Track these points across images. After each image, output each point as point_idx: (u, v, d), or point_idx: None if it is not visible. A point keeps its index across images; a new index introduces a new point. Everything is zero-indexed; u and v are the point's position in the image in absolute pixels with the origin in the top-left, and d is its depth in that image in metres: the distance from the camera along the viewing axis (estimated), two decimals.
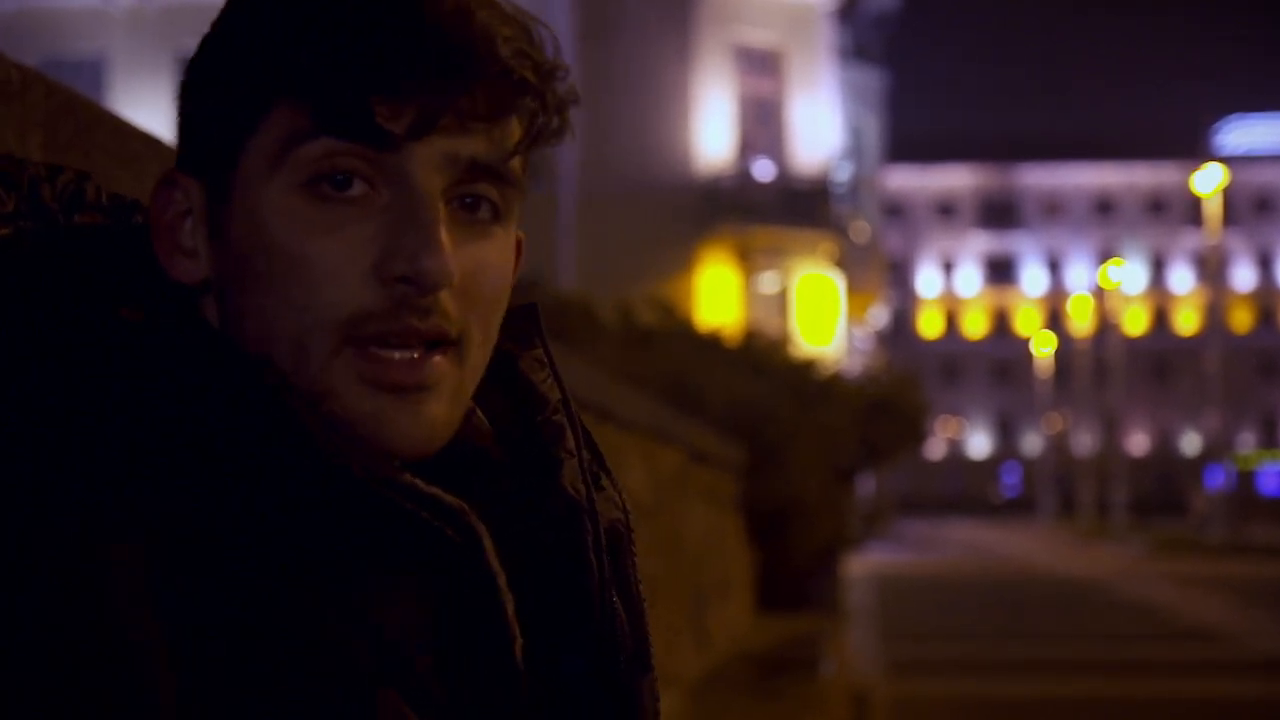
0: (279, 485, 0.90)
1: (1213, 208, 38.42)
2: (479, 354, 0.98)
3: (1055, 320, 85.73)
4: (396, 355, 0.93)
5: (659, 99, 28.26)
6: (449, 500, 0.94)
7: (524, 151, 0.97)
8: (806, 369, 15.54)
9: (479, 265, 0.96)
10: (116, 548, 0.85)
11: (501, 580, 0.96)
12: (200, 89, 0.98)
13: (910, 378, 19.46)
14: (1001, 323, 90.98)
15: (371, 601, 0.90)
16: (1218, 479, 40.52)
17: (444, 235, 0.93)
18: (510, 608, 0.96)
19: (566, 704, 1.00)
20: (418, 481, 0.93)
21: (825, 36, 30.90)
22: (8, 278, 0.93)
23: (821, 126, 30.18)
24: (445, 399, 0.96)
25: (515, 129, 0.96)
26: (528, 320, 1.07)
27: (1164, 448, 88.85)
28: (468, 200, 0.96)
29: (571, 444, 1.05)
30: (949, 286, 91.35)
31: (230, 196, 0.95)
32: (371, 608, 0.90)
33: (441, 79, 0.92)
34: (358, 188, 0.93)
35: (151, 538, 0.86)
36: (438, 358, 0.95)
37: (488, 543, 0.95)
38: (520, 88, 0.95)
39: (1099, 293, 73.94)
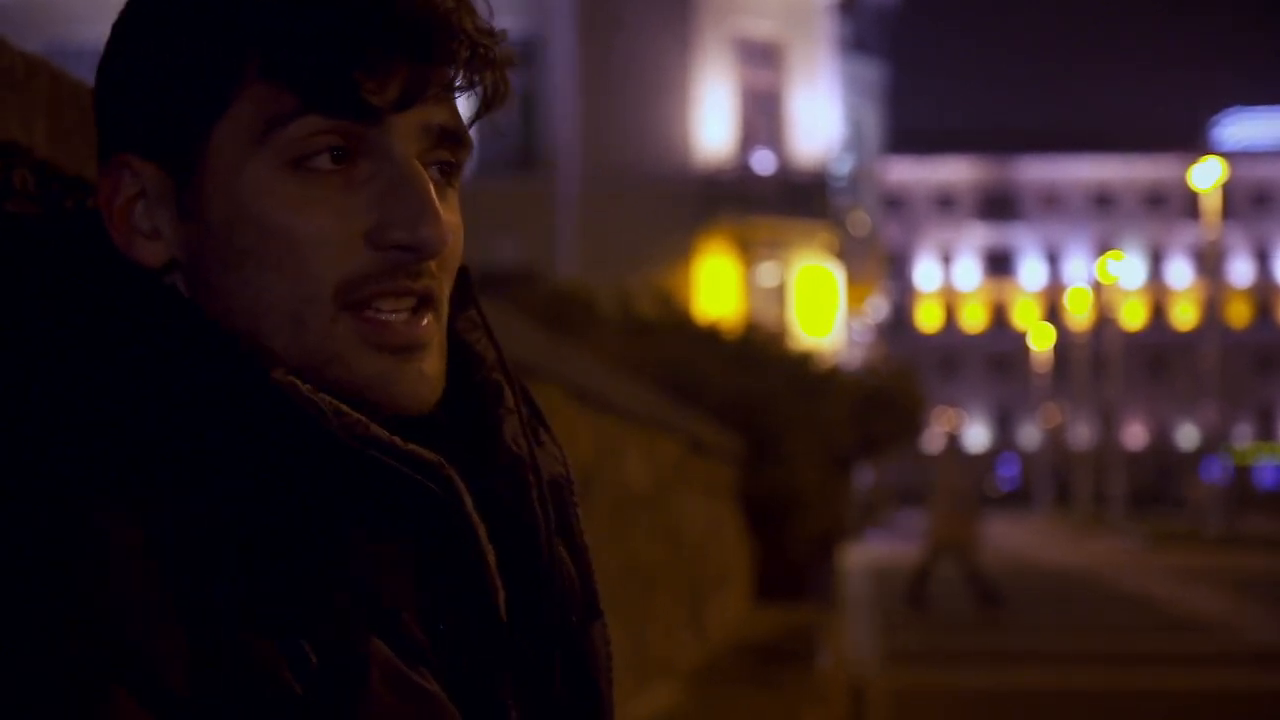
0: (263, 452, 0.92)
1: (1211, 202, 38.38)
2: (446, 311, 1.01)
3: (1053, 313, 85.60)
4: (393, 317, 0.96)
5: (659, 90, 28.22)
6: (427, 455, 0.96)
7: (482, 116, 1.01)
8: (805, 360, 15.56)
9: (450, 227, 0.99)
10: (111, 519, 0.86)
11: (482, 531, 0.98)
12: (152, 71, 0.96)
13: (908, 370, 19.51)
14: (1000, 315, 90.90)
15: (357, 557, 0.92)
16: (1214, 472, 40.48)
17: (438, 204, 0.96)
18: (492, 559, 0.99)
19: (523, 651, 1.02)
20: (396, 439, 0.95)
21: (826, 28, 30.87)
22: None
23: (821, 118, 30.15)
24: (436, 355, 0.99)
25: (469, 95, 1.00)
26: (460, 282, 1.08)
27: (1161, 441, 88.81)
28: (432, 166, 0.99)
29: (511, 401, 1.07)
30: (948, 279, 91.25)
31: (199, 177, 0.96)
32: (358, 563, 0.92)
33: (423, 53, 0.95)
34: (340, 161, 0.95)
35: (141, 509, 0.88)
36: (428, 317, 0.98)
37: (467, 496, 0.98)
38: (486, 58, 0.98)
39: (1097, 286, 73.89)
